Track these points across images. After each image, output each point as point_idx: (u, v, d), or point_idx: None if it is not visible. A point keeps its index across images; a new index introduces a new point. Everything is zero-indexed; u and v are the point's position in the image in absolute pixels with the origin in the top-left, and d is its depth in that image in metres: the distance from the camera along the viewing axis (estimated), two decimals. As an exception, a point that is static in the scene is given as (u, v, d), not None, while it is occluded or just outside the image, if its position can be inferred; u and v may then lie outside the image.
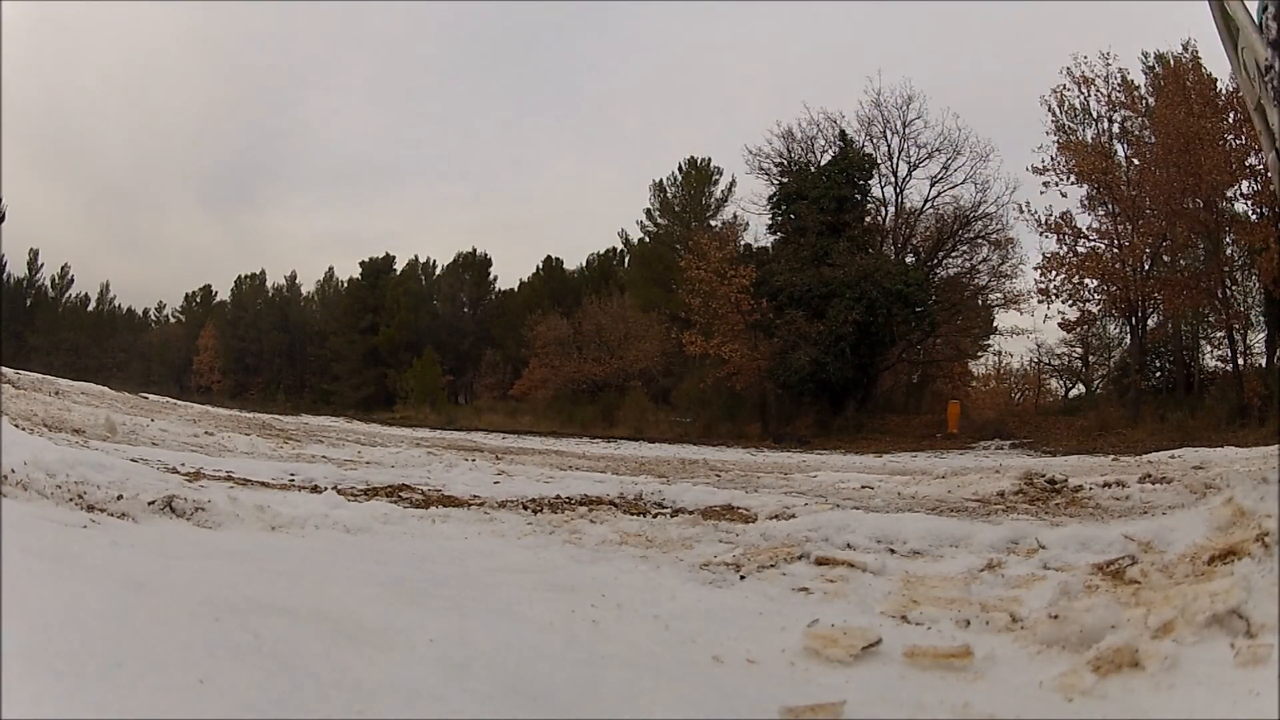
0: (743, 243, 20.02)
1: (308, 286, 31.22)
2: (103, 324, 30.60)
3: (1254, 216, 15.06)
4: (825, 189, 18.00)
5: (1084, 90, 16.40)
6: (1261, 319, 15.44)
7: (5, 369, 7.94)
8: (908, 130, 18.80)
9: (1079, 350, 20.95)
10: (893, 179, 19.24)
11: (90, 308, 30.92)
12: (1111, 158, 16.27)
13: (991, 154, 18.15)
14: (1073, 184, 16.29)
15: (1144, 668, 1.07)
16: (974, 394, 19.64)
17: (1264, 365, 15.09)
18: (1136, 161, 16.17)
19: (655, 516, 2.76)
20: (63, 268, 30.02)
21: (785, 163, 19.22)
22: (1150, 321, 16.76)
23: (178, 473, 2.85)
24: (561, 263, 28.06)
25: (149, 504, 2.00)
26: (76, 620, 1.14)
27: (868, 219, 19.30)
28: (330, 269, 30.90)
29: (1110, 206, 16.30)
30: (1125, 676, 1.07)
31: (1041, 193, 16.74)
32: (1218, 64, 15.35)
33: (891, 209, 19.53)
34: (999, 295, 18.64)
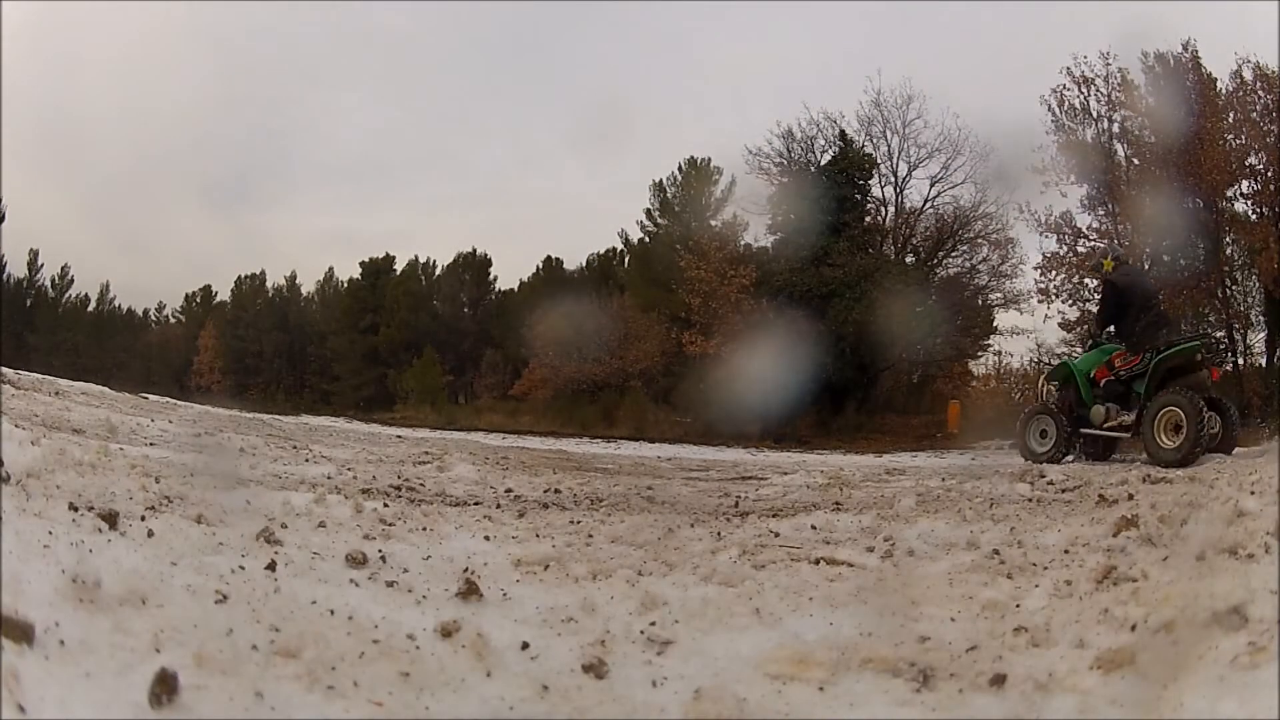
0: (743, 243, 20.02)
1: (308, 286, 31.15)
2: (103, 324, 30.55)
3: (1254, 216, 15.07)
4: (825, 189, 17.99)
5: (1084, 90, 16.39)
6: (1261, 319, 15.44)
7: (5, 369, 7.92)
8: (908, 130, 18.78)
9: (1079, 350, 20.93)
10: (893, 179, 19.23)
11: (90, 308, 30.84)
12: (1111, 158, 16.28)
13: (991, 154, 18.12)
14: (1073, 184, 16.30)
15: (1144, 667, 1.07)
16: (974, 394, 19.61)
17: (1264, 365, 15.09)
18: (1136, 161, 16.17)
19: (652, 515, 2.76)
20: (63, 268, 29.94)
21: (785, 163, 19.23)
22: (1150, 322, 16.77)
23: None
24: (561, 263, 28.00)
25: (149, 505, 2.00)
26: (78, 619, 1.14)
27: (868, 219, 19.28)
28: (330, 269, 30.83)
29: (1110, 206, 16.30)
30: (1126, 676, 1.07)
31: (1041, 193, 16.74)
32: (1218, 64, 15.36)
33: (891, 209, 19.51)
34: (999, 295, 18.64)
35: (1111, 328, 6.33)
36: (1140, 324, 6.02)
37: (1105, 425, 6.01)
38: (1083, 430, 6.14)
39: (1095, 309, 6.62)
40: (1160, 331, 6.15)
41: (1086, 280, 16.45)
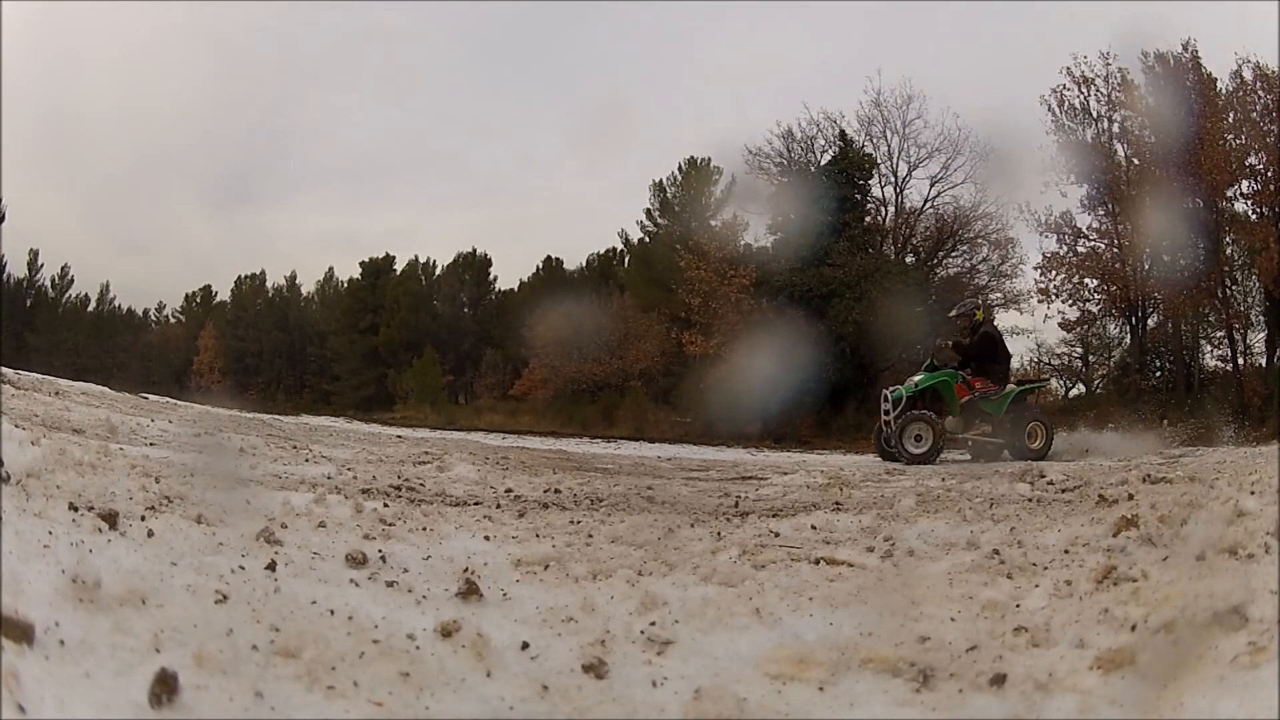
0: (743, 243, 20.01)
1: (308, 286, 31.13)
2: (103, 324, 30.50)
3: (1254, 216, 15.07)
4: (825, 189, 17.99)
5: (1084, 90, 16.39)
6: (1261, 319, 15.44)
7: (5, 369, 7.92)
8: (908, 130, 18.77)
9: (1079, 350, 20.92)
10: (893, 179, 19.22)
11: (90, 308, 30.82)
12: (1111, 158, 16.27)
13: (991, 154, 18.10)
14: (1073, 184, 16.29)
15: (1144, 667, 1.07)
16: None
17: (1264, 365, 15.10)
18: (1136, 161, 16.16)
19: (652, 515, 2.76)
20: (63, 268, 29.91)
21: (785, 163, 19.23)
22: (1150, 321, 16.76)
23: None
24: (561, 263, 27.97)
25: (149, 505, 2.00)
26: (78, 619, 1.14)
27: (868, 219, 19.28)
28: (330, 269, 30.82)
29: (1110, 206, 16.30)
30: (1126, 676, 1.07)
31: (1041, 193, 16.73)
32: (1218, 64, 15.34)
33: (891, 209, 19.51)
34: (999, 295, 18.63)
35: (953, 358, 8.30)
36: (1005, 366, 8.34)
37: (971, 433, 8.00)
38: (957, 435, 7.96)
39: (955, 346, 8.46)
40: (1011, 370, 8.63)
41: (1087, 280, 16.52)
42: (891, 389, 8.16)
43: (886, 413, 7.93)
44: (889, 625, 1.39)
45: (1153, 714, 0.97)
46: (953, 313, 9.06)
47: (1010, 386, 8.14)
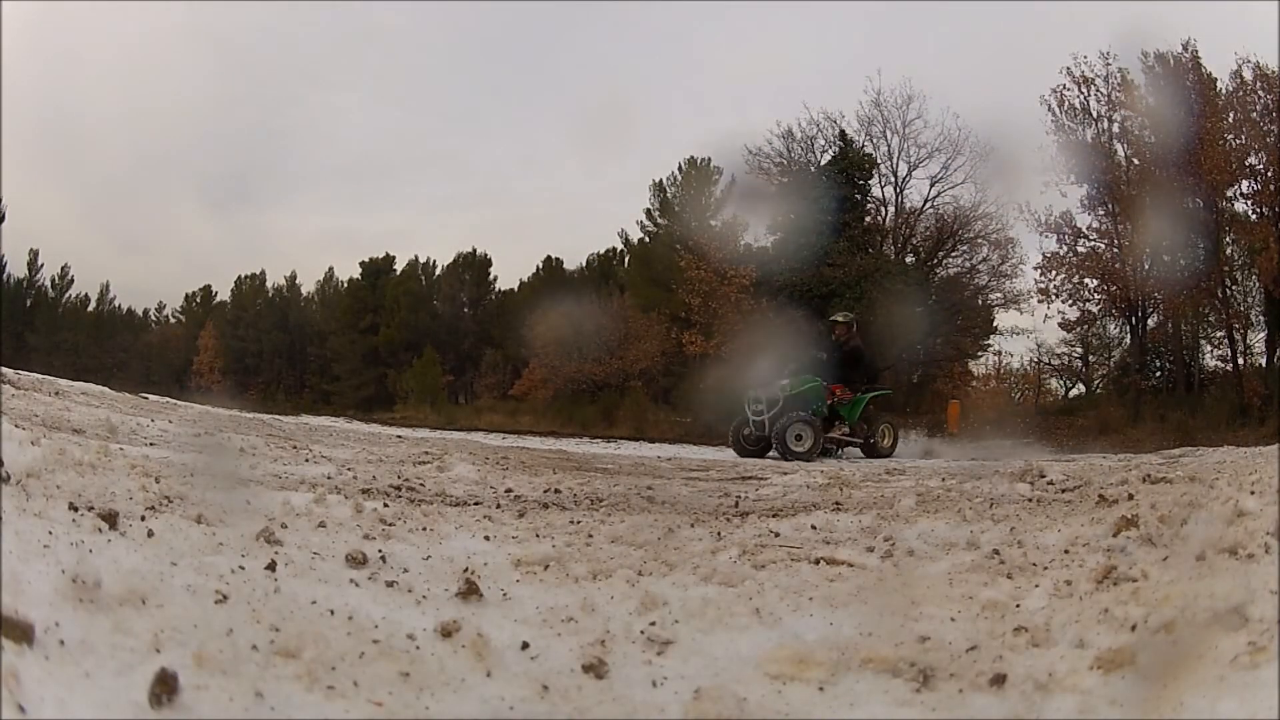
0: (743, 243, 20.01)
1: (308, 287, 31.14)
2: (103, 324, 30.50)
3: (1254, 216, 15.07)
4: (825, 189, 17.99)
5: (1084, 90, 16.39)
6: (1261, 319, 15.45)
7: (5, 369, 7.91)
8: (908, 130, 18.77)
9: (1079, 350, 20.93)
10: (893, 179, 19.22)
11: (90, 308, 30.82)
12: (1111, 158, 16.27)
13: (991, 154, 18.09)
14: (1073, 184, 16.29)
15: (1144, 667, 1.07)
16: (974, 394, 19.59)
17: (1264, 365, 15.11)
18: (1136, 161, 16.16)
19: (652, 515, 2.76)
20: (63, 268, 29.91)
21: (785, 163, 19.22)
22: (1150, 321, 16.77)
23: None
24: (561, 263, 27.97)
25: (149, 505, 2.00)
26: (78, 619, 1.14)
27: (868, 219, 19.28)
28: (330, 269, 30.83)
29: (1110, 206, 16.30)
30: (1126, 676, 1.07)
31: (1041, 193, 16.73)
32: (1218, 64, 15.34)
33: (891, 209, 19.51)
34: (999, 295, 18.63)
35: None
36: (863, 376, 9.29)
37: (832, 433, 8.82)
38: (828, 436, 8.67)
39: (835, 359, 9.31)
40: (871, 381, 9.58)
41: (1087, 280, 16.53)
42: (765, 390, 8.88)
43: (758, 413, 8.68)
44: (889, 625, 1.39)
45: (1153, 714, 0.97)
46: (839, 317, 9.99)
47: (860, 394, 9.17)
